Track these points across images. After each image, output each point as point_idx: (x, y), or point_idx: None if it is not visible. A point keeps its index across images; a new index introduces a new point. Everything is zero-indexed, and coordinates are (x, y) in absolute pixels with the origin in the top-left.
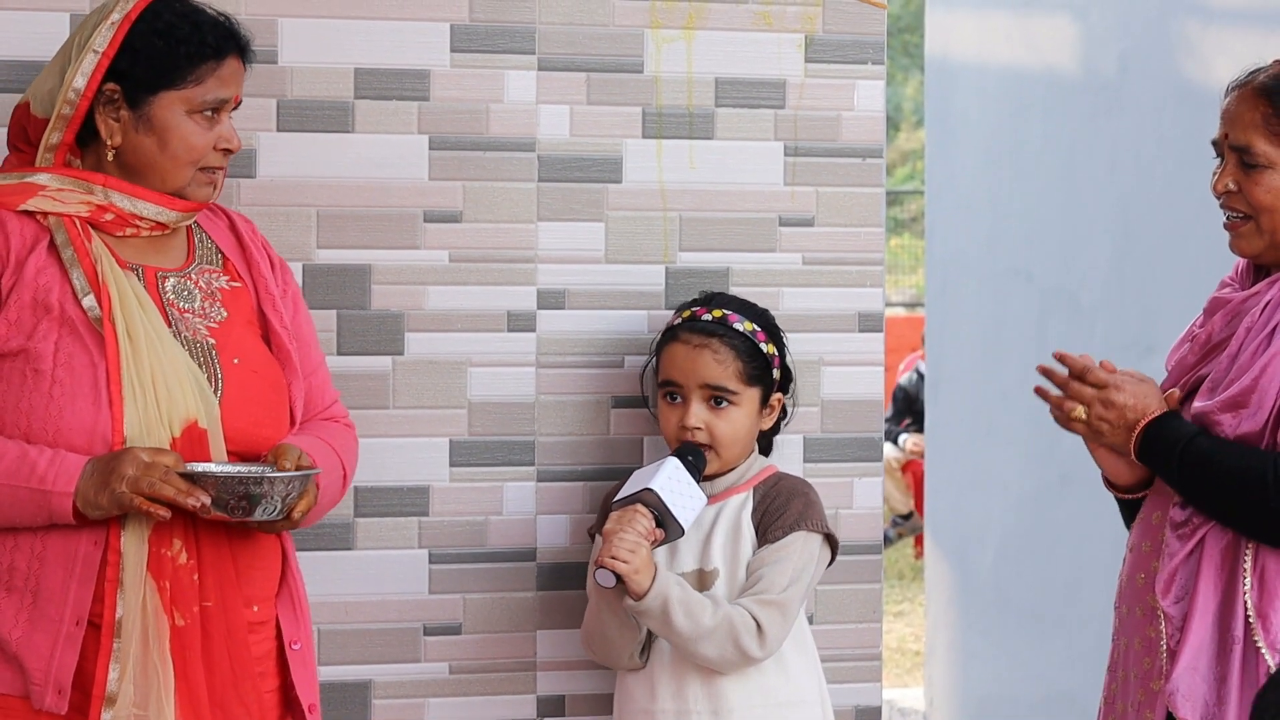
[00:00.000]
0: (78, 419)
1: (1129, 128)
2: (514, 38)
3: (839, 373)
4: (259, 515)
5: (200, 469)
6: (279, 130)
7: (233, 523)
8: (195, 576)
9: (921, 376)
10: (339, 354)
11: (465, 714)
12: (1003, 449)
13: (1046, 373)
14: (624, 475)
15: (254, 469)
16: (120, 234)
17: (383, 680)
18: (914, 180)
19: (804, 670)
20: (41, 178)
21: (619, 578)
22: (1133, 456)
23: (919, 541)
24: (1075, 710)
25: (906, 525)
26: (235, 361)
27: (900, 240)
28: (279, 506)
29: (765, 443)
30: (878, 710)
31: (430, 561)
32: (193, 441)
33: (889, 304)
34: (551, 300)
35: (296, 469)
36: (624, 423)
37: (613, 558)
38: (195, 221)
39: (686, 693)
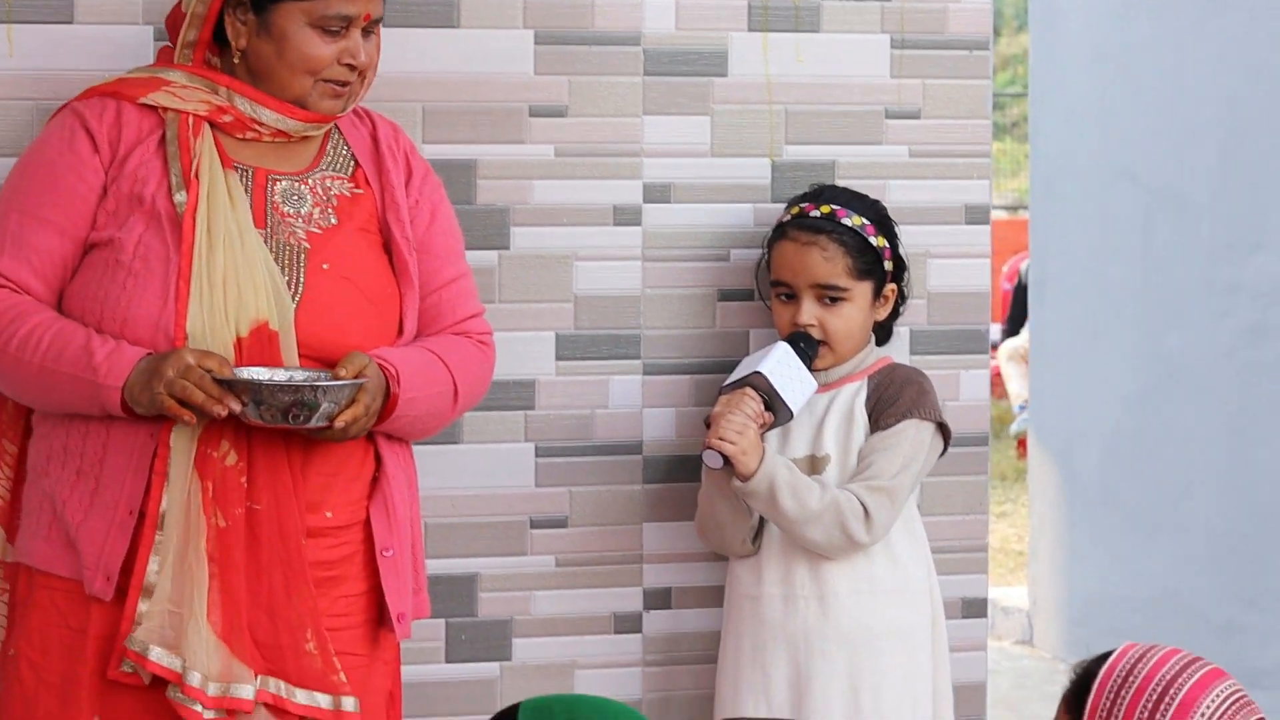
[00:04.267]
0: (144, 311)
1: (1237, 25)
2: None
3: (946, 265)
4: (314, 422)
5: (245, 375)
6: (384, 25)
7: (286, 430)
8: (243, 479)
9: None
10: None
11: (572, 606)
12: (1109, 349)
13: None
14: (730, 368)
15: (298, 376)
16: (241, 136)
17: (489, 573)
18: (1015, 85)
19: (913, 559)
20: (172, 74)
21: (726, 459)
22: None
23: (1022, 444)
24: (1182, 611)
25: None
26: (325, 267)
27: (1001, 145)
28: (325, 415)
29: (885, 331)
30: (984, 602)
31: (536, 455)
32: (261, 343)
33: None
34: (657, 194)
35: (355, 378)
36: (730, 316)
37: (720, 439)
38: (337, 127)
39: (793, 578)
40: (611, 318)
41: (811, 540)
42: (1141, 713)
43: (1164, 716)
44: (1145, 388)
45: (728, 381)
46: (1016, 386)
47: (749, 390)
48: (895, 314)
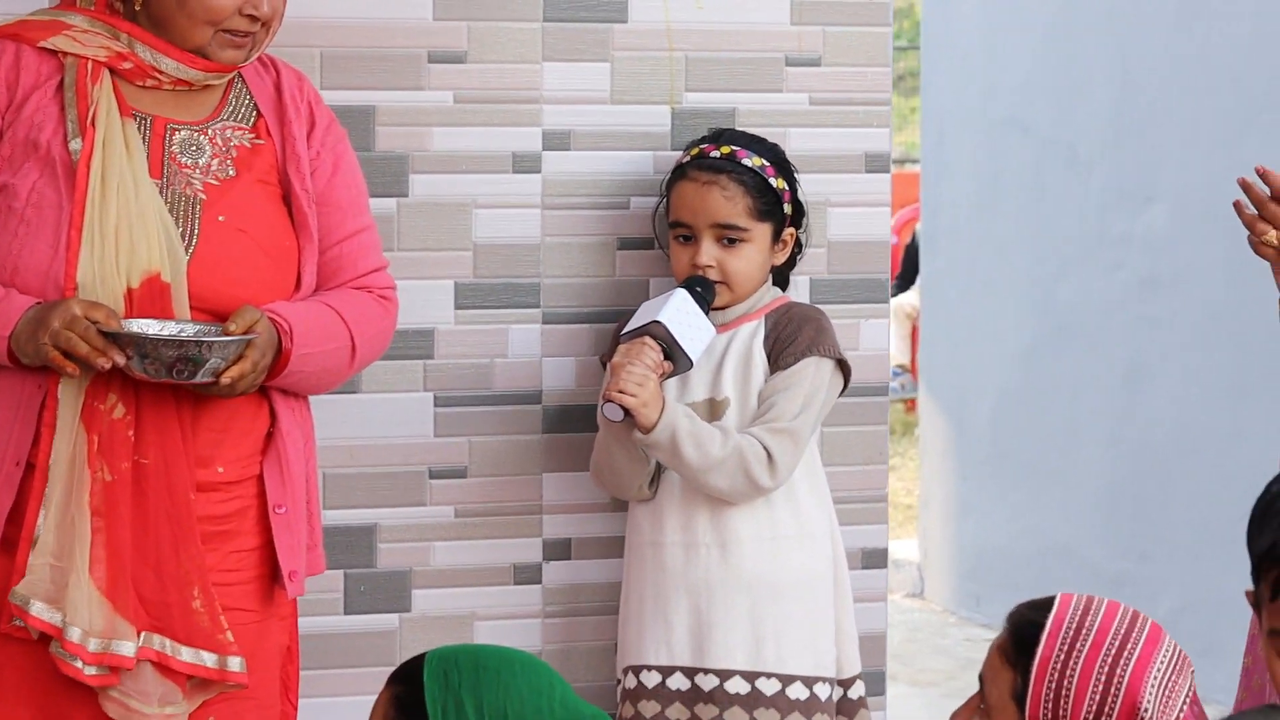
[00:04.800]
0: (35, 260)
1: None
2: None
3: (846, 214)
4: (200, 378)
5: (134, 328)
6: None
7: (171, 384)
8: (131, 432)
9: None
10: None
11: (471, 557)
12: (1000, 302)
13: (1246, 187)
14: (629, 317)
15: (188, 330)
16: (141, 84)
17: (388, 524)
18: (901, 38)
19: (815, 505)
20: (74, 18)
21: (627, 411)
22: None
23: (909, 402)
24: (1073, 564)
25: (906, 376)
26: (220, 219)
27: None
28: (211, 370)
29: (782, 278)
30: (883, 552)
31: (435, 404)
32: (153, 294)
33: None
34: (557, 141)
35: (245, 333)
36: (629, 264)
37: (620, 391)
38: (241, 76)
39: (694, 524)
40: (511, 266)
41: (715, 487)
42: (1101, 666)
43: (1124, 671)
44: (1036, 340)
45: (626, 329)
46: (893, 348)
47: (648, 340)
48: (792, 262)
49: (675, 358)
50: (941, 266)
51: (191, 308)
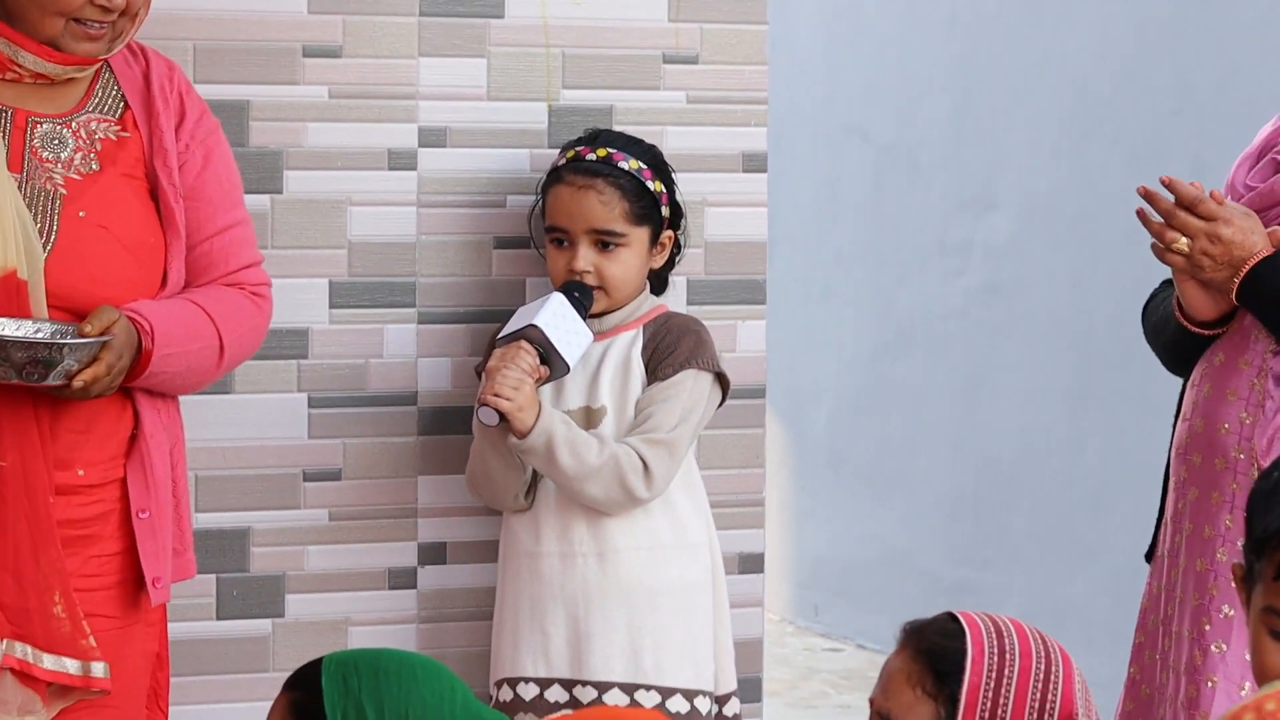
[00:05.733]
0: None
1: None
2: None
3: (723, 214)
4: (51, 380)
5: None
6: None
7: (26, 387)
8: None
9: None
10: None
11: (345, 561)
12: (839, 308)
13: (1149, 197)
14: (506, 317)
15: (45, 329)
16: (1, 76)
17: (261, 527)
18: None
19: (692, 513)
20: None
21: (502, 416)
22: (1232, 297)
23: None
24: (913, 572)
25: None
26: (80, 215)
27: None
28: (63, 373)
29: (660, 281)
30: (760, 557)
31: (309, 405)
32: (9, 292)
33: None
34: (433, 138)
35: (101, 335)
36: (506, 264)
37: (495, 395)
38: (110, 67)
39: (571, 534)
40: (386, 265)
41: (590, 496)
42: (1034, 687)
43: (1056, 688)
44: (876, 347)
45: (501, 334)
46: None
47: (524, 344)
48: (671, 264)
49: (552, 362)
50: (780, 273)
51: (51, 306)
